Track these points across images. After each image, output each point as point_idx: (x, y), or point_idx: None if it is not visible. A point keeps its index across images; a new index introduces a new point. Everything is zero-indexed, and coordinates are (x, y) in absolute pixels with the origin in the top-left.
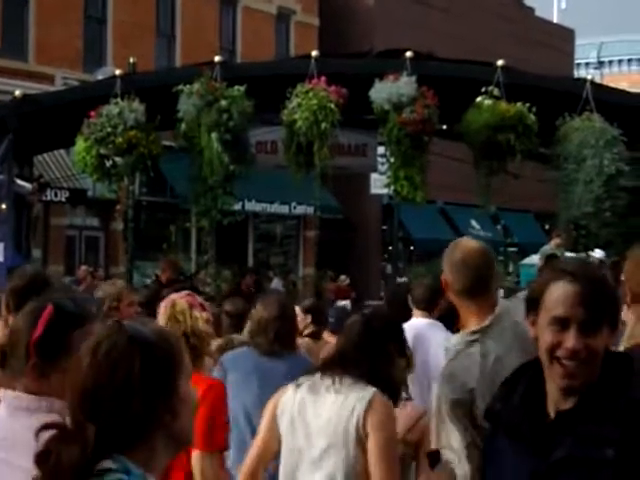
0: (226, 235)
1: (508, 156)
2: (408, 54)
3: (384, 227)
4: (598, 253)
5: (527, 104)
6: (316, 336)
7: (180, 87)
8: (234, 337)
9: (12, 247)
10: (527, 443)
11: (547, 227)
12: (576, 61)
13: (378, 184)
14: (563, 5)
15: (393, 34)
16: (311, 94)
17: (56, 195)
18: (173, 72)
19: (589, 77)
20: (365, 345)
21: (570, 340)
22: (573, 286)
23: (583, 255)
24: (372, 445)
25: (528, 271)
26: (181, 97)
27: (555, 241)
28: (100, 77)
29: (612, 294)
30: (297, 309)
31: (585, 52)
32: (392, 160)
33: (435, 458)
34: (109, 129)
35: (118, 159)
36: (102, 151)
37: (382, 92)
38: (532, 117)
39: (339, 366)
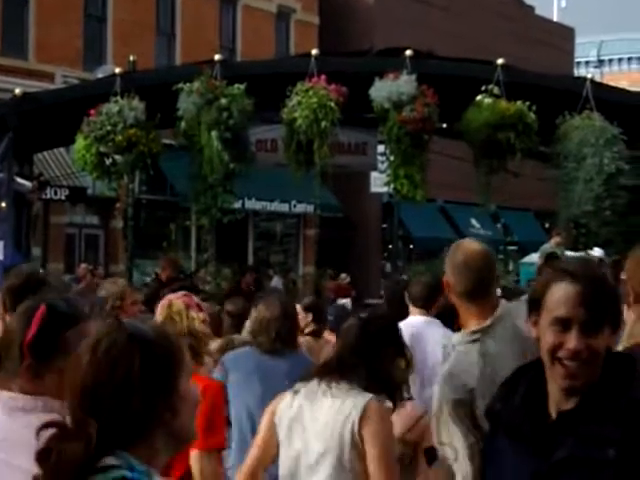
0: (226, 233)
1: (508, 154)
2: (408, 53)
3: (384, 225)
4: (598, 252)
5: (527, 103)
6: (317, 334)
7: (180, 85)
8: (235, 337)
9: (12, 245)
10: (528, 443)
11: (547, 226)
12: (576, 60)
13: (378, 182)
14: (563, 4)
15: (393, 32)
16: (311, 92)
17: (56, 193)
18: (173, 70)
19: (589, 76)
20: (362, 349)
21: (572, 341)
22: (574, 286)
23: (583, 254)
24: (370, 453)
25: (528, 270)
26: (181, 95)
27: (555, 239)
28: (100, 75)
29: (613, 294)
30: (297, 307)
31: (585, 50)
32: (392, 158)
33: (432, 455)
34: (109, 127)
35: (118, 157)
36: (102, 149)
37: (382, 90)
38: (532, 115)
39: (336, 371)
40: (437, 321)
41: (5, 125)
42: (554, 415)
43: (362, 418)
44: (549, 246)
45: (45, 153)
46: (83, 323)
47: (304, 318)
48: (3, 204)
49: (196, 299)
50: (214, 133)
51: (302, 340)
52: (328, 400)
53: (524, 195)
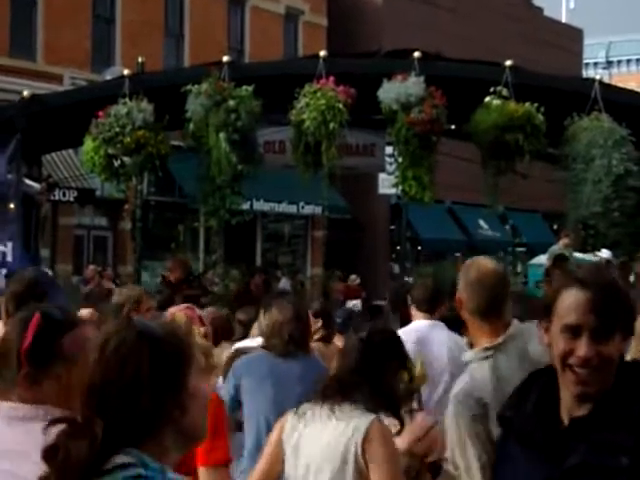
0: (234, 235)
1: (516, 156)
2: (416, 54)
3: (392, 227)
4: (605, 253)
5: (535, 104)
6: (327, 340)
7: (188, 87)
8: (241, 348)
9: (20, 247)
10: (540, 450)
11: (555, 227)
12: (585, 61)
13: (386, 184)
14: (572, 5)
15: (401, 34)
16: (319, 94)
17: (64, 195)
18: (181, 72)
19: (597, 77)
20: (363, 369)
21: (582, 348)
22: (584, 293)
23: (592, 256)
24: (374, 476)
25: (536, 271)
26: (189, 97)
27: (563, 241)
28: (108, 77)
29: (625, 300)
30: None
31: (594, 52)
32: (400, 160)
33: (436, 470)
34: (117, 129)
35: (126, 159)
36: (110, 151)
37: (390, 92)
38: (540, 117)
39: (339, 392)
40: (441, 324)
41: (13, 127)
42: (566, 422)
43: (365, 440)
44: (557, 247)
45: (54, 155)
46: (78, 329)
47: (314, 324)
48: (11, 205)
49: (199, 312)
50: (222, 135)
51: (313, 345)
52: (332, 423)
53: (532, 196)
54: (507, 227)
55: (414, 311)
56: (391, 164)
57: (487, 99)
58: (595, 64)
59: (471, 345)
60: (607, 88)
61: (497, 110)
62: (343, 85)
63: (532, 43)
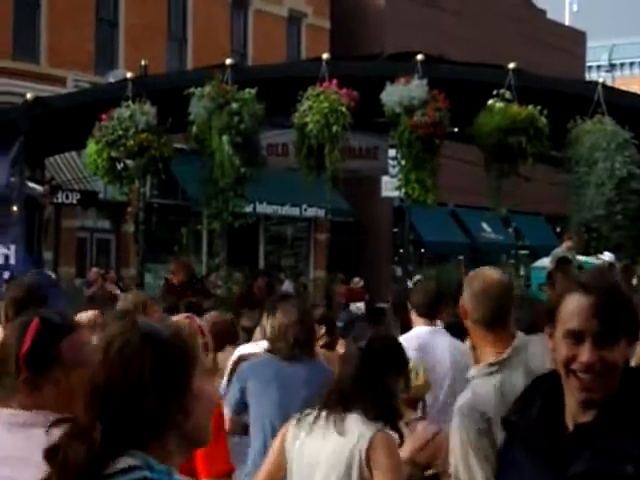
0: (237, 237)
1: (519, 159)
2: (419, 57)
3: (395, 230)
4: (608, 256)
5: (538, 107)
6: (331, 346)
7: (191, 90)
8: (243, 354)
9: (23, 249)
10: (545, 456)
11: (558, 230)
12: (588, 64)
13: (389, 187)
14: (575, 7)
15: (404, 36)
16: (322, 97)
17: (67, 197)
18: (184, 75)
19: (600, 80)
20: (364, 377)
21: (585, 354)
22: (587, 298)
23: (595, 259)
24: None
25: (539, 274)
26: (192, 100)
27: (566, 244)
28: (111, 79)
29: (629, 305)
30: None
31: (597, 54)
32: (403, 163)
33: None
34: (120, 132)
35: (129, 162)
36: (113, 154)
37: (393, 95)
38: (543, 120)
39: (340, 401)
40: (442, 330)
41: (17, 129)
42: (571, 427)
43: (370, 448)
44: (560, 250)
45: (57, 157)
46: (76, 333)
47: (317, 330)
48: (15, 208)
49: (199, 321)
50: (225, 137)
51: (317, 352)
52: (336, 431)
53: (535, 199)
54: (510, 230)
55: (414, 317)
56: (394, 167)
57: (490, 102)
58: (598, 67)
59: (474, 348)
60: (610, 91)
61: (500, 113)
62: (346, 88)
63: (535, 45)
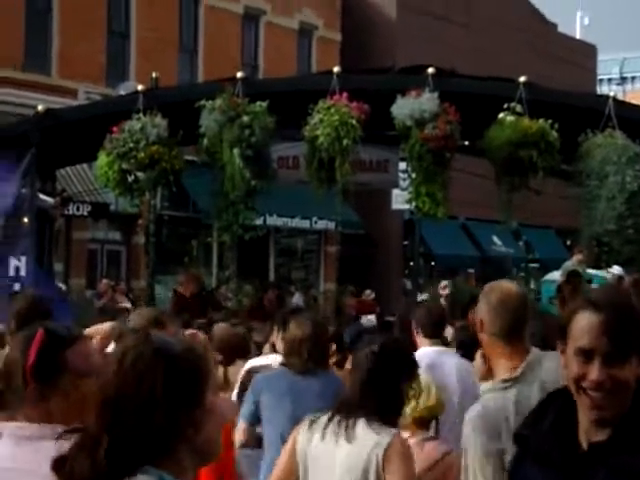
0: (247, 250)
1: (530, 172)
2: (430, 70)
3: (405, 242)
4: (617, 270)
5: (549, 120)
6: (340, 364)
7: (202, 102)
8: (254, 367)
9: (34, 261)
10: (557, 470)
11: (569, 243)
12: (598, 77)
13: (399, 200)
14: (586, 21)
15: (415, 49)
16: (333, 110)
17: (78, 209)
18: (195, 87)
19: (611, 93)
20: (376, 380)
21: (594, 372)
22: (597, 316)
23: (605, 272)
24: None
25: (549, 287)
26: (203, 112)
27: (577, 257)
28: (122, 92)
29: None
30: None
31: (608, 68)
32: (414, 176)
33: None
34: (131, 144)
35: (140, 174)
36: (124, 166)
37: (404, 108)
38: (554, 134)
39: (352, 405)
40: (449, 350)
41: (28, 141)
42: (585, 445)
43: (386, 454)
44: (571, 264)
45: (68, 169)
46: (81, 343)
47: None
48: (26, 220)
49: (202, 336)
50: (236, 150)
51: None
52: (351, 436)
53: (546, 213)
54: (521, 243)
55: (420, 338)
56: (405, 180)
57: (501, 115)
58: (609, 80)
59: (484, 359)
60: (621, 105)
61: (511, 126)
62: (357, 101)
63: (546, 59)
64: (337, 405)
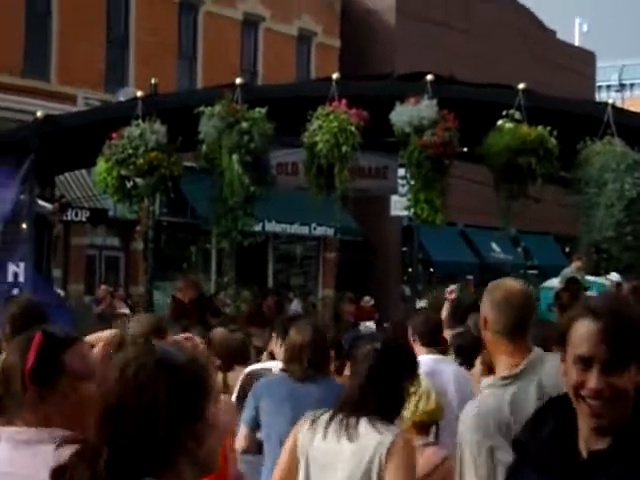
0: (246, 256)
1: (529, 179)
2: (429, 77)
3: (404, 249)
4: (615, 276)
5: (548, 128)
6: (339, 371)
7: (201, 109)
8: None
9: (32, 267)
10: (557, 477)
11: (567, 250)
12: (597, 84)
13: (398, 206)
14: (585, 28)
15: (414, 55)
16: (332, 117)
17: (77, 215)
18: (194, 94)
19: (610, 100)
20: (377, 378)
21: (592, 380)
22: (596, 324)
23: (603, 279)
24: None
25: (548, 294)
26: (202, 119)
27: (576, 264)
28: (122, 98)
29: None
30: None
31: (606, 75)
32: (412, 183)
33: None
34: (130, 150)
35: (139, 180)
36: (123, 172)
37: (403, 115)
38: (553, 141)
39: (354, 404)
40: (447, 358)
41: (27, 147)
42: (585, 454)
43: (388, 453)
44: (570, 270)
45: (67, 175)
46: (79, 345)
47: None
48: (24, 226)
49: (198, 340)
50: (235, 156)
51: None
52: (354, 435)
53: (545, 219)
54: (519, 250)
55: (417, 346)
56: (403, 186)
57: (500, 122)
58: (608, 87)
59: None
60: (620, 112)
61: (510, 133)
62: (356, 108)
63: (545, 66)
64: (339, 404)
